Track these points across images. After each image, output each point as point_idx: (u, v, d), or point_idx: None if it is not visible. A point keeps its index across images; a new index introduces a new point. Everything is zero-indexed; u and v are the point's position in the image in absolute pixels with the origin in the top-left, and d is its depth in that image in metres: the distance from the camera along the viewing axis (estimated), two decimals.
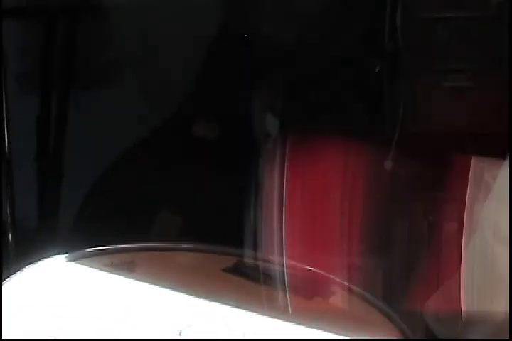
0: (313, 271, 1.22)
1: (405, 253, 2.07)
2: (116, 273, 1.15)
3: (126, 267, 1.17)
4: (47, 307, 1.04)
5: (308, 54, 2.37)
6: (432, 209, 2.02)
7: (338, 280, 1.21)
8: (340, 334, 1.07)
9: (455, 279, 1.63)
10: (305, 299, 1.13)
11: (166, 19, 2.80)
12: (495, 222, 1.50)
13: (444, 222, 2.00)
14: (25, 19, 2.82)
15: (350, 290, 1.19)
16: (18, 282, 1.09)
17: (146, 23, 2.87)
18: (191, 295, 1.10)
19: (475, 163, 1.86)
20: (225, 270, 1.19)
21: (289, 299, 1.12)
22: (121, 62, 2.93)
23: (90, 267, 1.18)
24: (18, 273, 1.11)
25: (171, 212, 2.29)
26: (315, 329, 1.07)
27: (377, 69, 2.15)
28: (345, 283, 1.20)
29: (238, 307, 1.08)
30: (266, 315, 1.07)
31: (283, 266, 1.23)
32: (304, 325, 1.08)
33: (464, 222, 1.82)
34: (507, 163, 1.58)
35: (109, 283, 1.13)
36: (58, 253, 1.20)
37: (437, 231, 2.02)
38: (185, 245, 1.28)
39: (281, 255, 2.10)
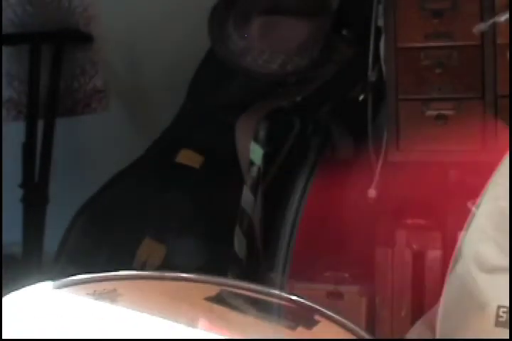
0: (297, 301, 1.22)
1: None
2: (99, 302, 1.15)
3: (109, 296, 1.16)
4: (27, 334, 1.04)
5: (291, 83, 2.38)
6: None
7: (321, 309, 1.21)
8: None
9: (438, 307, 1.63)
10: (289, 329, 1.13)
11: (152, 47, 2.82)
12: (476, 251, 1.51)
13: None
14: (12, 46, 2.83)
15: (333, 320, 1.19)
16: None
17: (132, 50, 2.89)
18: (173, 323, 1.10)
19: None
20: (208, 299, 1.18)
21: (272, 329, 1.12)
22: (107, 88, 2.94)
23: (73, 295, 1.17)
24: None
25: (155, 239, 2.29)
26: None
27: (361, 98, 2.16)
28: (329, 313, 1.20)
29: (220, 335, 1.08)
30: None
31: (266, 295, 1.23)
32: None
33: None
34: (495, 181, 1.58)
35: (91, 311, 1.13)
36: (42, 281, 1.19)
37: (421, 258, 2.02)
38: (168, 273, 1.27)
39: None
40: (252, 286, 1.24)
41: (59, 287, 1.19)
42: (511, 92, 1.84)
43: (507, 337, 1.39)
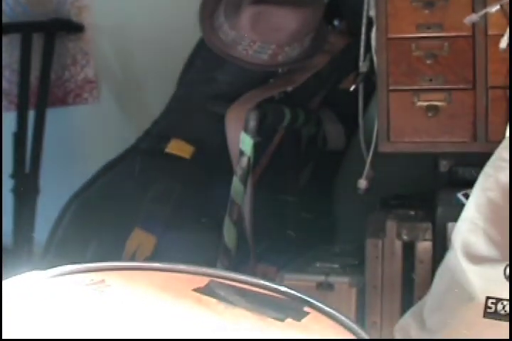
0: (286, 292, 1.21)
1: None
2: (87, 292, 1.15)
3: (97, 286, 1.16)
4: (15, 324, 1.03)
5: (282, 73, 2.38)
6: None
7: (311, 300, 1.20)
8: None
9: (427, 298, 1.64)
10: (278, 321, 1.12)
11: (144, 37, 2.82)
12: (466, 242, 1.51)
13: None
14: (3, 35, 2.82)
15: (322, 311, 1.18)
16: None
17: (123, 40, 2.89)
18: (160, 314, 1.09)
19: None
20: (196, 290, 1.18)
21: (260, 320, 1.12)
22: (99, 78, 2.93)
23: (62, 285, 1.17)
24: None
25: (145, 229, 2.28)
26: None
27: (352, 89, 2.16)
28: (319, 304, 1.19)
29: (208, 327, 1.07)
30: (235, 336, 1.07)
31: (255, 286, 1.22)
32: None
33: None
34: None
35: (80, 301, 1.12)
36: (31, 270, 1.19)
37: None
38: (157, 264, 1.27)
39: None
40: (242, 277, 1.24)
41: (48, 277, 1.19)
42: (511, 87, 1.84)
43: (496, 328, 1.40)
